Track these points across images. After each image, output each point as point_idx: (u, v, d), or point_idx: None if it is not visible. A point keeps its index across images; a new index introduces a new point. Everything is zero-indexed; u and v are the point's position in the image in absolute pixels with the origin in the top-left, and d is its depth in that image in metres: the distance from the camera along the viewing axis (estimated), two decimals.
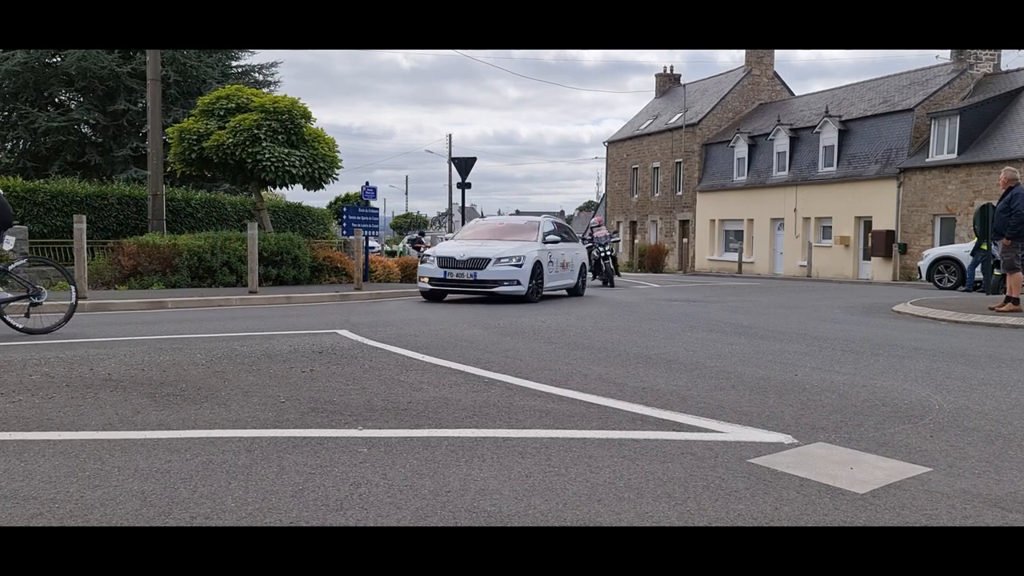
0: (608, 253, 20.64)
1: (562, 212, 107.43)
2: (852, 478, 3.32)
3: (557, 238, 14.86)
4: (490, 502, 2.98)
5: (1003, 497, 3.11)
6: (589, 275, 19.47)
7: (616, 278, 22.14)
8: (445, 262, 13.58)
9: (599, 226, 22.31)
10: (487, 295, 13.68)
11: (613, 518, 2.83)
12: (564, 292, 15.97)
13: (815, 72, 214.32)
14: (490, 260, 13.37)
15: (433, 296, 14.11)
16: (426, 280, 13.87)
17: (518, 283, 13.29)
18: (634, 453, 3.69)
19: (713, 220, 40.07)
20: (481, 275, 13.28)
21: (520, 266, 13.37)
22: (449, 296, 14.44)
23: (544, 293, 14.58)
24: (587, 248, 20.33)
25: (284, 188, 19.76)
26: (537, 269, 13.66)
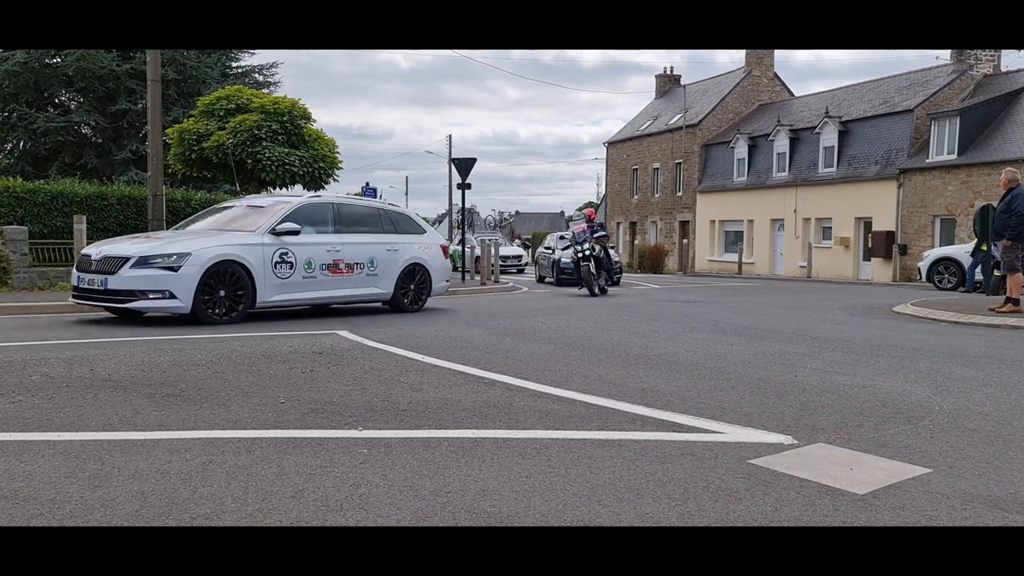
0: (588, 253, 15.93)
1: (562, 212, 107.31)
2: (852, 479, 3.32)
3: (296, 226, 10.09)
4: (490, 503, 2.98)
5: (1003, 498, 3.11)
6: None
7: (603, 285, 16.69)
8: (81, 263, 9.68)
9: (580, 219, 17.36)
10: (127, 312, 9.49)
11: (613, 519, 2.83)
12: (380, 305, 11.70)
13: (814, 73, 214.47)
14: (127, 261, 9.09)
15: (116, 313, 9.88)
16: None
17: (171, 295, 9.02)
18: (634, 454, 3.69)
19: (713, 221, 40.05)
20: (113, 283, 9.04)
21: (175, 270, 9.04)
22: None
23: (297, 309, 10.94)
24: (565, 247, 17.02)
25: (284, 189, 19.77)
26: (225, 275, 9.37)
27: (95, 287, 9.24)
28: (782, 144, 35.28)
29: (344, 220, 11.04)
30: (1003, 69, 31.31)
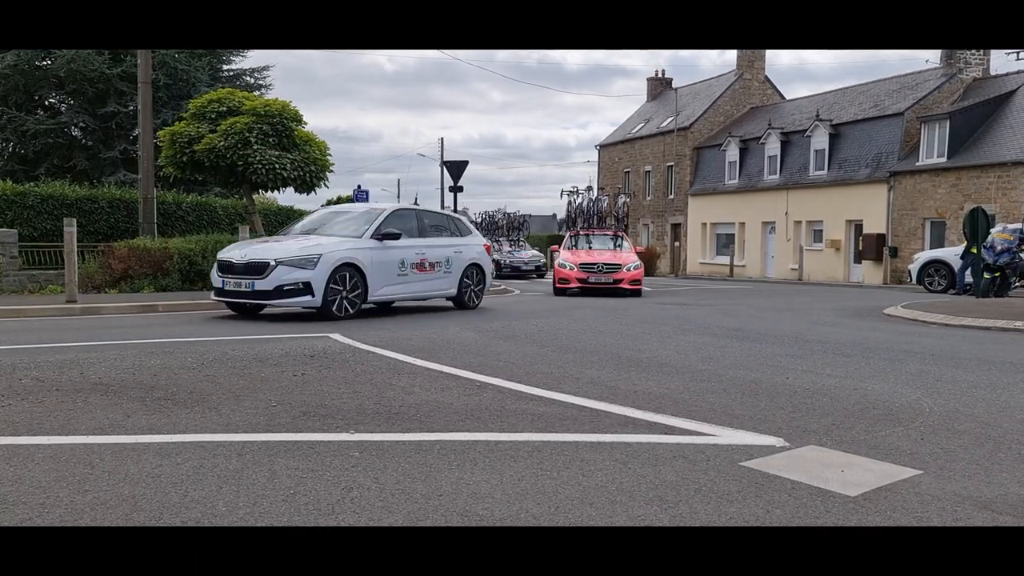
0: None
1: (554, 216, 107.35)
2: (843, 481, 3.33)
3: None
4: (482, 506, 2.98)
5: (993, 499, 3.12)
6: None
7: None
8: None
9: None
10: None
11: (605, 521, 2.83)
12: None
13: (798, 76, 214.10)
14: None
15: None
16: None
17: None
18: (626, 456, 3.69)
19: (705, 223, 40.13)
20: None
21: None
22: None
23: None
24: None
25: (276, 191, 19.69)
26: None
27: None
28: (773, 147, 35.38)
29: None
30: (992, 72, 31.49)
